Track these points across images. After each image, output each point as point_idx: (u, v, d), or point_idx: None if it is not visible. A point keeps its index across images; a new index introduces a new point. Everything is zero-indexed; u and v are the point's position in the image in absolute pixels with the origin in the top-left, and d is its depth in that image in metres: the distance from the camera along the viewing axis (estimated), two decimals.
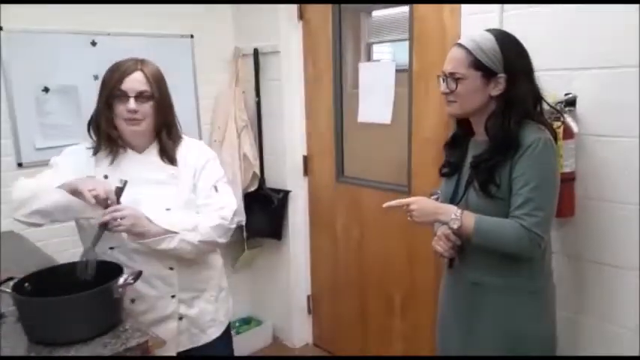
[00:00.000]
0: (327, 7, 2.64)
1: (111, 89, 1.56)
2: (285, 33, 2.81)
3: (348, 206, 2.74)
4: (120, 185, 1.53)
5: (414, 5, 2.27)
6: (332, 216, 2.84)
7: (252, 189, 3.00)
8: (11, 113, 2.39)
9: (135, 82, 1.58)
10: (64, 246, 2.29)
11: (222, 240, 1.68)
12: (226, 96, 3.01)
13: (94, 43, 2.60)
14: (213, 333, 1.81)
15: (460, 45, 1.48)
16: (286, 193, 2.93)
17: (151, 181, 1.63)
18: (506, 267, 1.51)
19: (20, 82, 2.40)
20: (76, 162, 1.64)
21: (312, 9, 2.74)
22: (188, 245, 1.60)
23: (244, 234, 3.00)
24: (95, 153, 1.64)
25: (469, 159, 1.56)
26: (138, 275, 1.43)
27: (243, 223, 2.95)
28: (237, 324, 3.23)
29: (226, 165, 2.92)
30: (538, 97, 1.51)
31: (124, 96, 1.56)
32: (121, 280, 1.37)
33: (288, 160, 2.92)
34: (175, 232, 1.57)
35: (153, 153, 1.67)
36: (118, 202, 1.51)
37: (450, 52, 1.52)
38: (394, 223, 2.46)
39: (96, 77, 2.51)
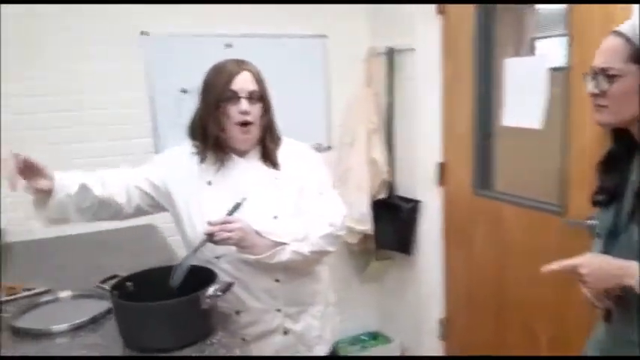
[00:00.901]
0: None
1: (221, 91, 1.48)
2: (421, 29, 2.58)
3: (488, 223, 2.40)
4: (239, 201, 1.46)
5: None
6: (469, 233, 2.51)
7: (381, 197, 2.81)
8: (152, 113, 2.52)
9: (245, 82, 1.49)
10: None
11: (332, 249, 1.55)
12: (358, 97, 2.87)
13: (229, 45, 2.65)
14: (320, 351, 1.68)
15: (617, 32, 1.14)
16: (416, 203, 2.68)
17: (256, 187, 1.53)
18: None
19: (161, 84, 2.52)
20: (177, 163, 1.59)
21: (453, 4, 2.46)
22: (299, 256, 1.48)
23: (372, 244, 2.83)
24: (202, 160, 1.56)
25: (633, 183, 1.18)
26: (227, 287, 1.33)
27: (371, 232, 2.77)
28: (362, 337, 3.07)
29: (353, 170, 2.78)
30: None
31: (235, 97, 1.48)
32: (210, 291, 1.29)
33: (421, 167, 2.67)
34: (285, 244, 1.46)
35: (255, 157, 1.57)
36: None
37: (603, 42, 1.18)
38: (543, 247, 2.07)
39: None
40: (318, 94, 2.89)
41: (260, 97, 1.52)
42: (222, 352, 1.26)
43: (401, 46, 2.70)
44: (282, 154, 1.60)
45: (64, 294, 1.58)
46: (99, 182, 1.49)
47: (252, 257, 1.46)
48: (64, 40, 2.33)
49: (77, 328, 1.40)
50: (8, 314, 1.46)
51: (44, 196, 1.37)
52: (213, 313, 1.34)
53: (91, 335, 1.37)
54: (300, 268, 1.57)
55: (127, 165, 1.62)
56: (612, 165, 1.27)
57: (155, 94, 2.51)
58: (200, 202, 1.54)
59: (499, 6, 2.31)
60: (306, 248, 1.48)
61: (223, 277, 1.51)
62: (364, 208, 2.73)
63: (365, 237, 2.80)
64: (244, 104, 1.48)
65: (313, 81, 2.87)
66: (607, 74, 1.13)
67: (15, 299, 1.58)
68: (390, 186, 2.81)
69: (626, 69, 1.11)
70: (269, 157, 1.57)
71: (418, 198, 2.69)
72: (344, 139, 2.88)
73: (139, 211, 1.61)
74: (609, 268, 1.14)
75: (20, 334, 1.37)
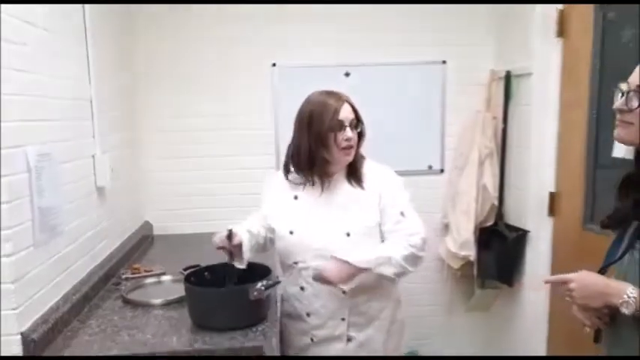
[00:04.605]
0: (590, 21, 2.21)
1: (330, 121, 1.64)
2: (539, 52, 2.48)
3: (596, 260, 2.20)
4: (226, 233, 1.63)
5: None
6: (577, 268, 2.32)
7: (489, 223, 2.75)
8: (276, 138, 2.85)
9: (347, 112, 1.68)
10: None
11: (413, 269, 1.67)
12: (475, 121, 2.85)
13: (347, 74, 2.88)
14: None
15: None
16: (524, 233, 2.57)
17: (335, 205, 1.71)
18: None
19: (286, 109, 2.84)
20: (272, 185, 1.84)
21: (574, 24, 2.33)
22: (384, 278, 1.66)
23: (474, 271, 2.78)
24: (304, 186, 1.74)
25: None
26: (273, 284, 1.56)
27: (472, 259, 2.73)
28: None
29: (462, 194, 2.78)
30: None
31: (341, 127, 1.66)
32: (258, 285, 1.52)
33: (532, 195, 2.55)
34: (368, 269, 1.61)
35: (341, 176, 1.74)
36: (231, 244, 1.62)
37: None
38: None
39: None
40: (433, 119, 2.95)
41: (357, 124, 1.71)
42: (259, 340, 1.47)
43: (519, 70, 2.64)
44: (366, 175, 1.74)
45: (166, 278, 1.97)
46: (254, 225, 1.77)
47: (342, 288, 1.65)
48: (202, 71, 2.80)
49: (169, 304, 1.76)
50: (124, 287, 1.89)
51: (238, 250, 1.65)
52: (262, 304, 1.57)
53: (176, 310, 1.71)
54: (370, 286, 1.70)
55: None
56: (629, 188, 1.24)
57: (279, 119, 2.84)
58: (287, 213, 1.76)
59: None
60: (390, 271, 1.62)
61: (299, 280, 1.73)
62: (469, 233, 2.70)
63: (469, 263, 2.77)
64: (349, 132, 1.66)
65: (429, 106, 2.94)
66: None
67: (134, 277, 2.01)
68: (499, 213, 2.73)
69: None
70: (355, 176, 1.73)
71: (527, 227, 2.57)
72: (456, 162, 2.89)
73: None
74: (598, 286, 1.17)
75: (129, 303, 1.78)
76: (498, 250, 2.66)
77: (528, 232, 2.56)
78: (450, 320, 3.07)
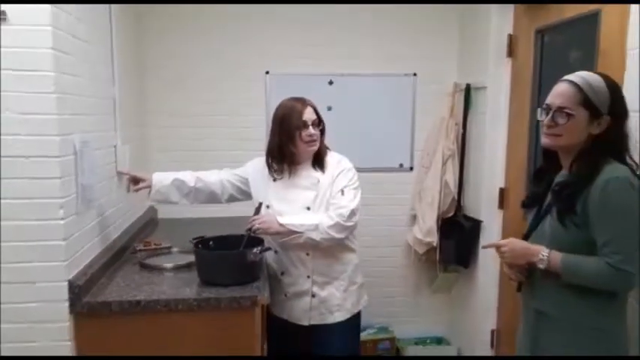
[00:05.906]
0: (531, 44, 2.66)
1: (296, 121, 2.08)
2: (493, 69, 2.92)
3: None
4: (256, 206, 2.11)
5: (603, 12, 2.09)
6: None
7: (450, 214, 3.17)
8: (267, 135, 3.22)
9: (310, 113, 2.12)
10: None
11: (340, 235, 2.06)
12: (439, 126, 3.29)
13: (330, 82, 3.30)
14: (339, 317, 2.19)
15: (571, 82, 1.50)
16: (478, 222, 3.00)
17: (299, 186, 2.14)
18: (569, 300, 1.50)
19: None
20: (257, 166, 2.27)
21: (520, 47, 2.78)
22: (313, 241, 2.05)
23: (437, 256, 3.20)
24: (269, 167, 2.18)
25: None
26: (265, 249, 1.98)
27: (435, 244, 3.15)
28: (427, 341, 3.43)
29: (428, 189, 3.21)
30: (627, 141, 1.50)
31: (305, 125, 2.09)
32: (254, 250, 1.92)
33: (485, 190, 2.99)
34: (300, 232, 2.03)
35: (308, 164, 2.17)
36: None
37: (556, 86, 1.55)
38: None
39: (329, 108, 3.21)
40: (404, 123, 3.38)
41: (319, 123, 2.13)
42: (255, 292, 1.87)
43: (476, 84, 3.08)
44: (328, 162, 2.17)
45: (174, 249, 2.36)
46: (193, 177, 2.27)
47: (279, 240, 2.10)
48: (204, 76, 3.21)
49: (179, 268, 2.14)
50: (139, 256, 2.27)
51: (148, 190, 2.27)
52: (256, 266, 1.96)
53: (185, 273, 2.09)
54: (325, 248, 2.11)
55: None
56: (540, 178, 1.67)
57: (270, 119, 3.22)
58: (266, 192, 2.18)
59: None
60: (317, 236, 2.03)
61: (273, 245, 2.16)
62: (432, 222, 3.13)
63: (433, 249, 3.19)
64: (311, 129, 2.09)
65: (401, 112, 3.37)
66: (564, 112, 1.48)
67: (146, 250, 2.39)
68: (458, 206, 3.16)
69: (578, 110, 1.48)
70: (319, 162, 2.16)
71: (481, 218, 3.01)
72: (423, 162, 3.32)
73: (233, 198, 2.34)
74: (522, 249, 1.56)
75: (145, 267, 2.16)
76: (457, 237, 3.09)
77: (482, 222, 3.00)
78: (417, 300, 3.49)
